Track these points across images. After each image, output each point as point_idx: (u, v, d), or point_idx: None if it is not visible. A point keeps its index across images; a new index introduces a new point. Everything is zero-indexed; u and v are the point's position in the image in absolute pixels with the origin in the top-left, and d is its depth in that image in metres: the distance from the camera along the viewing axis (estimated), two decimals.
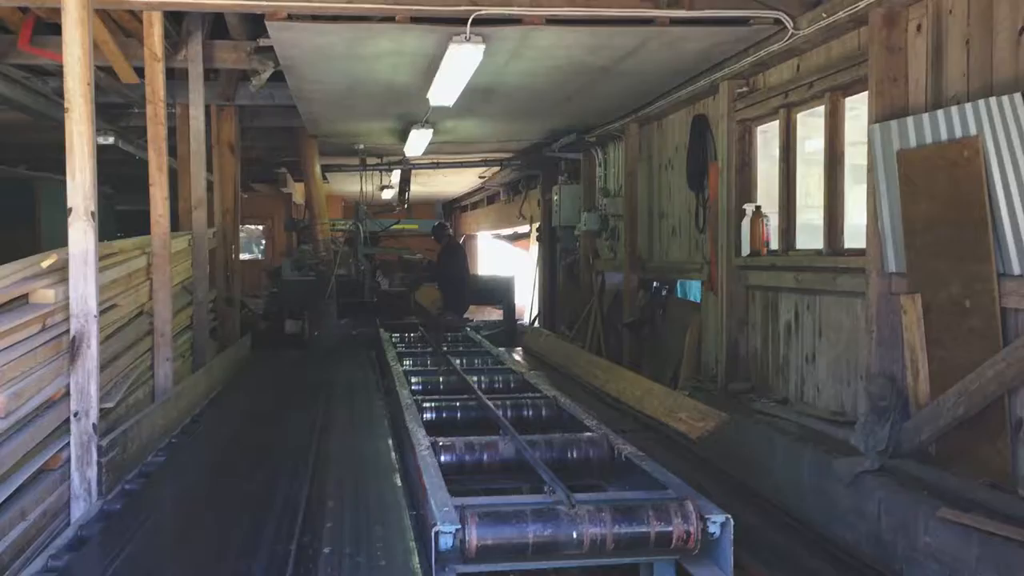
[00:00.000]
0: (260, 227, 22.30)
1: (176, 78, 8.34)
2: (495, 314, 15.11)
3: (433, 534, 3.61)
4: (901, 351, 4.97)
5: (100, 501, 4.44)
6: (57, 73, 8.18)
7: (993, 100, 4.23)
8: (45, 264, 4.64)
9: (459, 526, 3.65)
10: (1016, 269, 4.18)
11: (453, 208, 24.96)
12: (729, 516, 3.83)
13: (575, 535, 3.71)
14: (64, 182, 4.51)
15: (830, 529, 4.85)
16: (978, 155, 4.30)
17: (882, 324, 5.11)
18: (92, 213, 4.49)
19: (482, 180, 17.92)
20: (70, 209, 4.48)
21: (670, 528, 3.77)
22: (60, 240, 4.69)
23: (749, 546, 4.34)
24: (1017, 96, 4.10)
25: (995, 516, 3.97)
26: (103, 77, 7.95)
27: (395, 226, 15.52)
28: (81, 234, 4.48)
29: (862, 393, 5.39)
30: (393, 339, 9.52)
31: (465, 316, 13.03)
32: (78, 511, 4.40)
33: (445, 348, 8.95)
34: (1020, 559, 3.66)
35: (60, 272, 4.66)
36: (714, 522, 3.81)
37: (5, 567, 3.75)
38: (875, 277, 5.16)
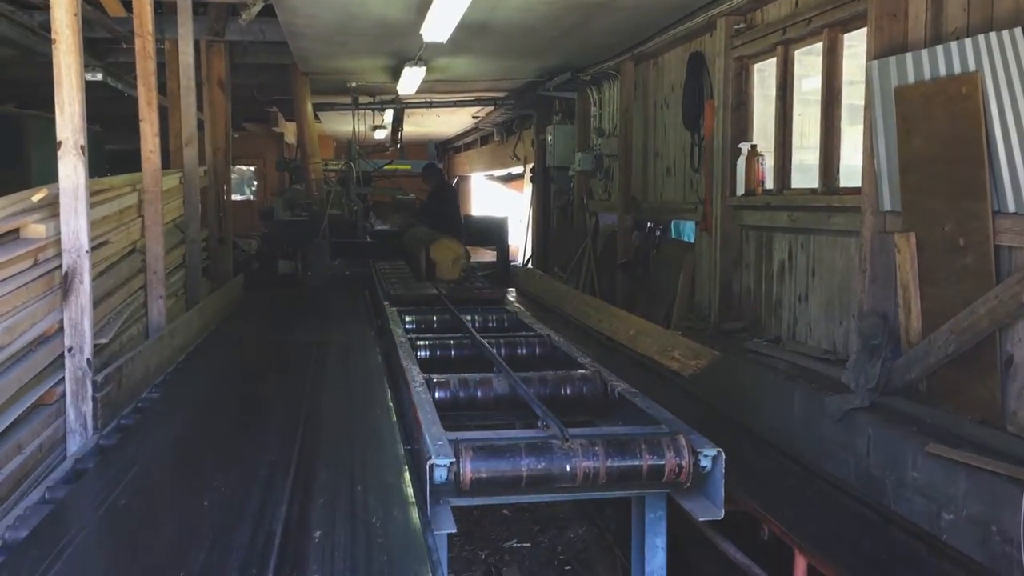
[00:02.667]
0: (251, 167, 22.16)
1: (164, 12, 8.20)
2: (488, 255, 15.09)
3: (428, 467, 3.65)
4: (894, 289, 4.98)
5: (96, 436, 4.46)
6: (44, 7, 8.03)
7: (993, 35, 4.18)
8: (36, 198, 4.60)
9: (453, 459, 3.69)
10: (1011, 207, 4.17)
11: (446, 149, 24.77)
12: (721, 450, 3.87)
13: (568, 468, 3.75)
14: (54, 119, 4.45)
15: (820, 465, 4.91)
16: (976, 91, 4.26)
17: (875, 262, 5.12)
18: (82, 147, 4.43)
19: (476, 120, 17.76)
20: (59, 143, 4.42)
21: (663, 462, 3.81)
22: (51, 179, 4.63)
23: (740, 480, 4.39)
24: (1017, 31, 4.05)
25: (983, 451, 4.02)
26: (91, 10, 7.83)
27: (388, 166, 15.41)
28: (71, 168, 4.42)
29: (854, 331, 5.43)
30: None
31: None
32: (74, 445, 4.42)
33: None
34: (1007, 493, 3.71)
35: (51, 207, 4.61)
36: (706, 456, 3.85)
37: (3, 498, 3.78)
38: (870, 215, 5.15)
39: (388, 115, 15.36)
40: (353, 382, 5.61)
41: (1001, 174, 4.18)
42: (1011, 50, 4.09)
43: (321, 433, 4.39)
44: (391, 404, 4.83)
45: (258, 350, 6.70)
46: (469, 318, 6.97)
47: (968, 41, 4.35)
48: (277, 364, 6.11)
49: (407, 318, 7.14)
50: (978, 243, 4.35)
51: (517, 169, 17.61)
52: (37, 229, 4.44)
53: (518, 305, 8.42)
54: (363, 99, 13.92)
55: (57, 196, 4.49)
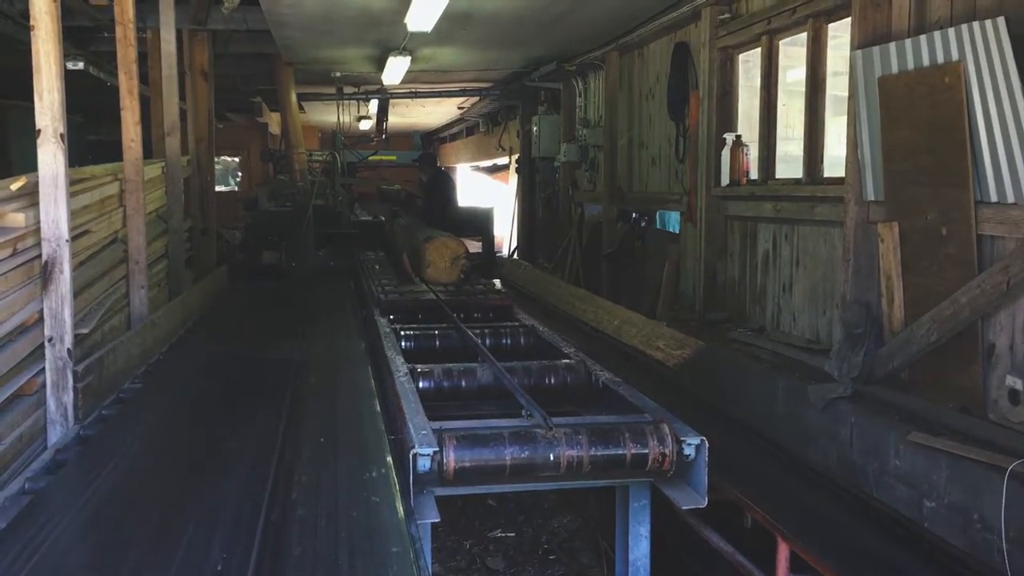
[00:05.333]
0: (236, 158, 22.04)
1: (146, 1, 8.13)
2: (474, 246, 15.05)
3: (411, 456, 3.64)
4: (877, 279, 5.00)
5: (77, 426, 4.43)
6: None
7: (976, 24, 4.19)
8: (15, 187, 4.55)
9: (436, 448, 3.68)
10: (993, 196, 4.18)
11: (432, 140, 24.72)
12: (704, 439, 3.87)
13: (552, 457, 3.75)
14: (34, 108, 4.41)
15: (803, 453, 4.92)
16: (960, 80, 4.27)
17: (859, 252, 5.13)
18: (61, 135, 4.40)
19: (461, 111, 17.72)
20: (39, 131, 4.38)
21: (646, 450, 3.82)
22: (32, 169, 4.59)
23: (723, 469, 4.40)
24: (1000, 20, 4.06)
25: (965, 440, 4.03)
26: None
27: (372, 157, 15.35)
28: (51, 156, 4.38)
29: (837, 321, 5.44)
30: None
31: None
32: (54, 436, 4.39)
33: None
34: (987, 481, 3.72)
35: (31, 196, 4.57)
36: (689, 444, 3.86)
37: None
38: (853, 205, 5.16)
39: (373, 105, 15.30)
40: (339, 413, 4.67)
41: (983, 163, 4.19)
42: (994, 39, 4.09)
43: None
44: (390, 457, 3.86)
45: (241, 344, 6.63)
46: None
47: (951, 31, 4.35)
48: (260, 365, 5.71)
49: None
50: (960, 232, 4.36)
51: (503, 160, 17.59)
52: (16, 218, 4.40)
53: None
54: (348, 89, 13.86)
55: (36, 185, 4.45)
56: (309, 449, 3.97)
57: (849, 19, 5.28)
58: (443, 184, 13.09)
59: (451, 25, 8.40)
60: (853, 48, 5.10)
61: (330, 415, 4.57)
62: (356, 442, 4.08)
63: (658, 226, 9.38)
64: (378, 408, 4.59)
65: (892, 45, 4.78)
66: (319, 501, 3.36)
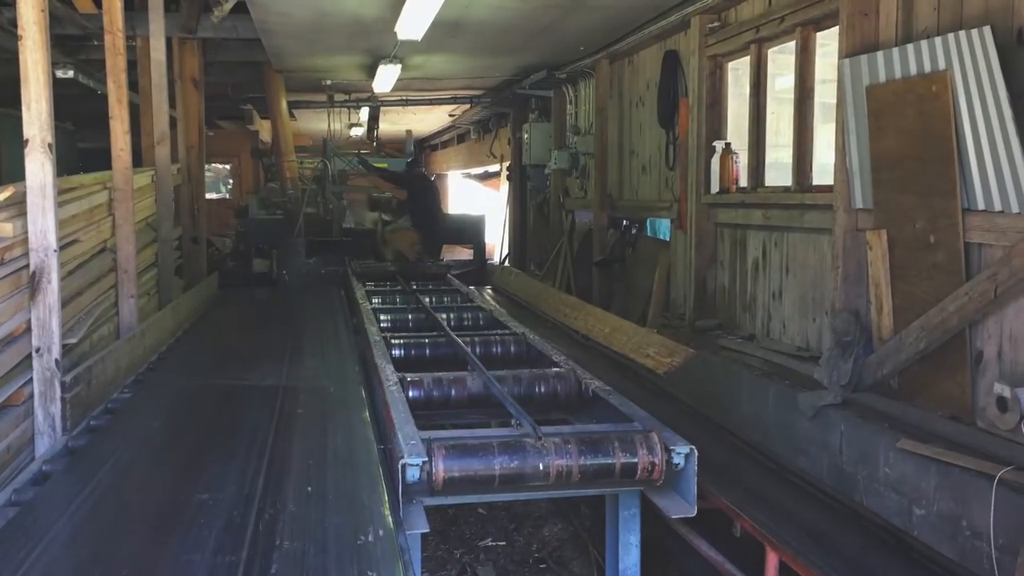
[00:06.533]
0: (226, 166, 21.97)
1: (136, 8, 8.13)
2: (465, 253, 15.06)
3: (400, 466, 3.63)
4: (866, 287, 5.01)
5: (65, 437, 4.41)
6: (11, 3, 7.93)
7: (963, 34, 4.21)
8: (2, 197, 4.52)
9: (426, 458, 3.67)
10: (980, 204, 4.20)
11: (423, 147, 24.71)
12: (693, 448, 3.87)
13: (541, 467, 3.74)
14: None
15: (793, 461, 4.93)
16: (946, 90, 4.29)
17: (848, 260, 5.14)
18: (49, 144, 4.38)
19: (452, 118, 17.72)
20: (26, 141, 4.37)
21: (635, 459, 3.81)
22: (22, 177, 4.57)
23: (713, 477, 4.40)
24: (987, 29, 4.08)
25: (954, 447, 4.04)
26: (59, 7, 7.74)
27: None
28: (38, 166, 4.37)
29: (827, 328, 5.45)
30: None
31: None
32: (42, 447, 4.37)
33: (415, 286, 8.92)
34: (976, 488, 3.73)
35: (18, 206, 4.55)
36: (679, 453, 3.86)
37: None
38: (842, 213, 5.17)
39: (363, 113, 15.30)
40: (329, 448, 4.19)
41: (970, 171, 4.21)
42: (980, 49, 4.11)
43: None
44: (388, 511, 3.38)
45: (231, 351, 6.62)
46: (444, 316, 6.96)
47: (938, 40, 4.37)
48: (249, 380, 5.55)
49: (382, 317, 7.21)
50: (948, 240, 4.38)
51: (494, 167, 17.60)
52: (3, 228, 4.37)
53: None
54: (338, 97, 13.85)
55: (24, 194, 4.43)
56: (294, 502, 3.43)
57: (837, 28, 5.30)
58: (420, 185, 13.38)
59: (441, 33, 8.41)
60: (841, 57, 5.12)
61: (320, 453, 4.09)
62: (349, 492, 3.56)
63: (648, 233, 9.40)
64: (374, 448, 4.10)
65: (880, 54, 4.80)
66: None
